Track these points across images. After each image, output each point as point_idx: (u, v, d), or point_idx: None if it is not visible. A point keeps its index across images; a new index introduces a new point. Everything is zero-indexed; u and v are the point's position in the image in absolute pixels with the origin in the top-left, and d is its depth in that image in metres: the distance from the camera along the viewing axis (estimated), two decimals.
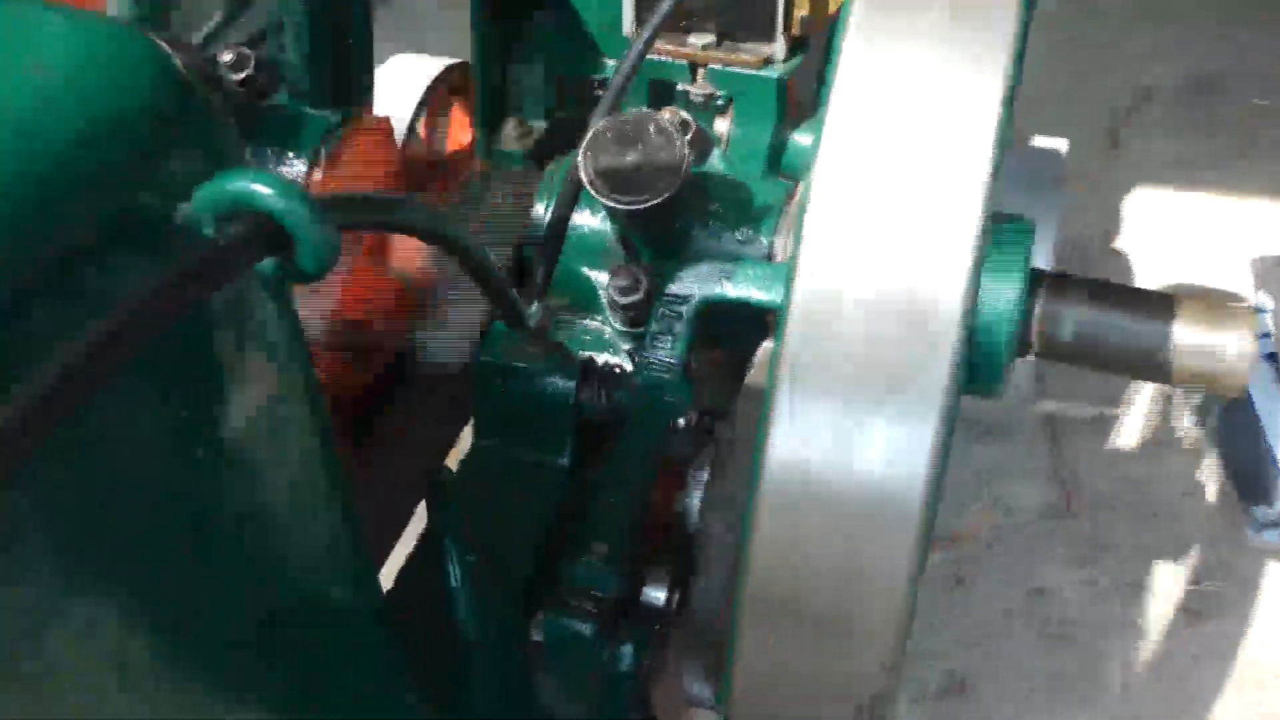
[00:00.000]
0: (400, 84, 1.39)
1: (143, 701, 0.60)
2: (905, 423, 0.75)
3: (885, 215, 0.76)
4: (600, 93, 1.31)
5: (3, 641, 0.52)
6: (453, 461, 1.34)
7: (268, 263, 0.54)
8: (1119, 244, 2.34)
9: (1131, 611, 1.89)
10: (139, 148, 0.54)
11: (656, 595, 0.99)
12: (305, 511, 0.69)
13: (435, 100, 1.41)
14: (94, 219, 0.51)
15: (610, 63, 1.32)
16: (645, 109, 1.11)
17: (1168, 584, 1.91)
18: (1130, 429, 2.08)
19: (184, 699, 0.64)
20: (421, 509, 1.20)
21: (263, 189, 0.52)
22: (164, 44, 0.57)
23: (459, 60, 1.46)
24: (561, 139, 1.35)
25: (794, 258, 0.78)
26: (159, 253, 0.52)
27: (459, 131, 1.45)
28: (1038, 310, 1.04)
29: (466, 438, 1.31)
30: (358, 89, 1.19)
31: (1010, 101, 0.77)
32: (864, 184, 0.77)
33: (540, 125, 1.38)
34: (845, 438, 0.76)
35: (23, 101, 0.51)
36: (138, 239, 0.53)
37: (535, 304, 0.97)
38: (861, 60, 0.80)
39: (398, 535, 1.25)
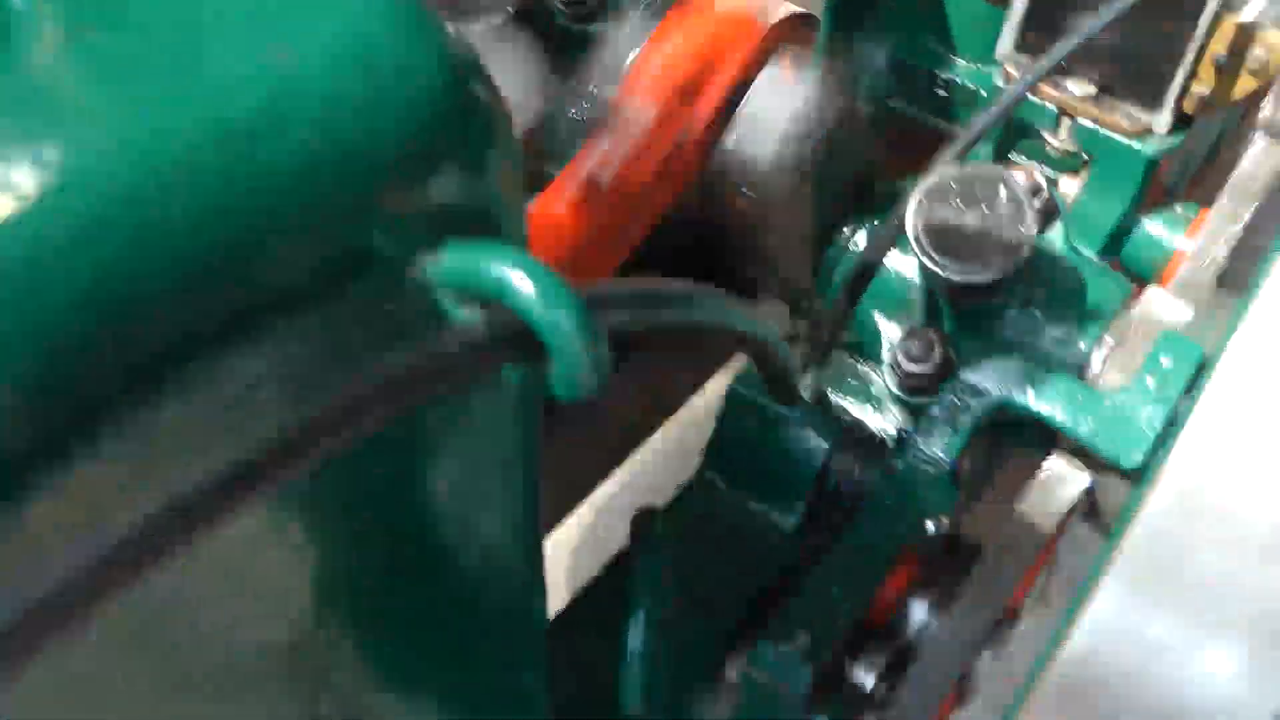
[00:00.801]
0: None
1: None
2: (1252, 678, 0.62)
3: None
4: (940, 92, 1.17)
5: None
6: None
7: (514, 371, 0.42)
8: None
9: None
10: (398, 170, 0.41)
11: (865, 680, 0.88)
12: (489, 572, 0.59)
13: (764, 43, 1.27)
14: (312, 254, 0.40)
15: (961, 63, 1.17)
16: (997, 164, 0.97)
17: None
18: None
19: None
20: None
21: (523, 284, 0.40)
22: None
23: (803, 11, 1.31)
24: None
25: (1177, 426, 0.64)
26: (370, 314, 0.41)
27: None
28: None
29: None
30: None
31: None
32: None
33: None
34: (1169, 666, 0.63)
35: (254, 92, 0.38)
36: (356, 287, 0.41)
37: (813, 371, 0.84)
38: None
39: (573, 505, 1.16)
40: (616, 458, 1.27)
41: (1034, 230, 0.89)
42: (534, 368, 0.42)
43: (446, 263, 0.41)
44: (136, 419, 0.36)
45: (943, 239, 0.89)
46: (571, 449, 1.06)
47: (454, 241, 0.42)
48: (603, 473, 1.26)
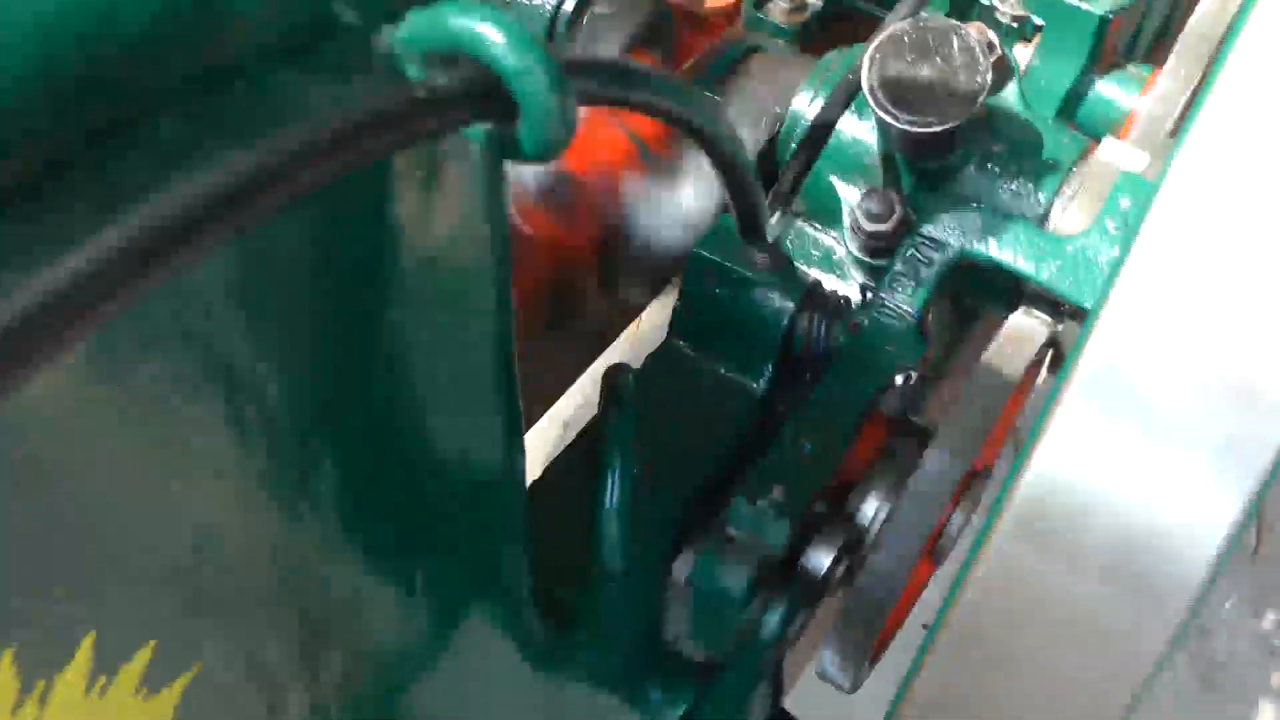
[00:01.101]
0: None
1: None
2: (1216, 478, 0.62)
3: (1254, 232, 0.62)
4: None
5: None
6: (627, 343, 1.24)
7: (478, 130, 0.42)
8: None
9: None
10: None
11: (820, 562, 0.88)
12: (463, 397, 0.59)
13: None
14: (270, 21, 0.39)
15: None
16: (950, 19, 0.96)
17: None
18: None
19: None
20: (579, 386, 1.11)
21: (493, 34, 0.39)
22: None
23: None
24: (836, 27, 1.21)
25: (1127, 248, 0.64)
26: (341, 83, 0.40)
27: None
28: None
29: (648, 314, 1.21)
30: None
31: None
32: (1244, 190, 0.63)
33: (816, 3, 1.23)
34: (1140, 472, 0.63)
35: None
36: (319, 59, 0.41)
37: (777, 215, 0.84)
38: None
39: (550, 404, 1.15)
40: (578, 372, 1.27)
41: (988, 79, 0.89)
42: (501, 128, 0.42)
43: (412, 24, 0.41)
44: (105, 169, 0.36)
45: (898, 91, 0.88)
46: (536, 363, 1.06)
47: (418, 6, 0.41)
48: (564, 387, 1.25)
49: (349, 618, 0.59)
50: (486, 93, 0.40)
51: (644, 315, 1.24)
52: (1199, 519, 0.63)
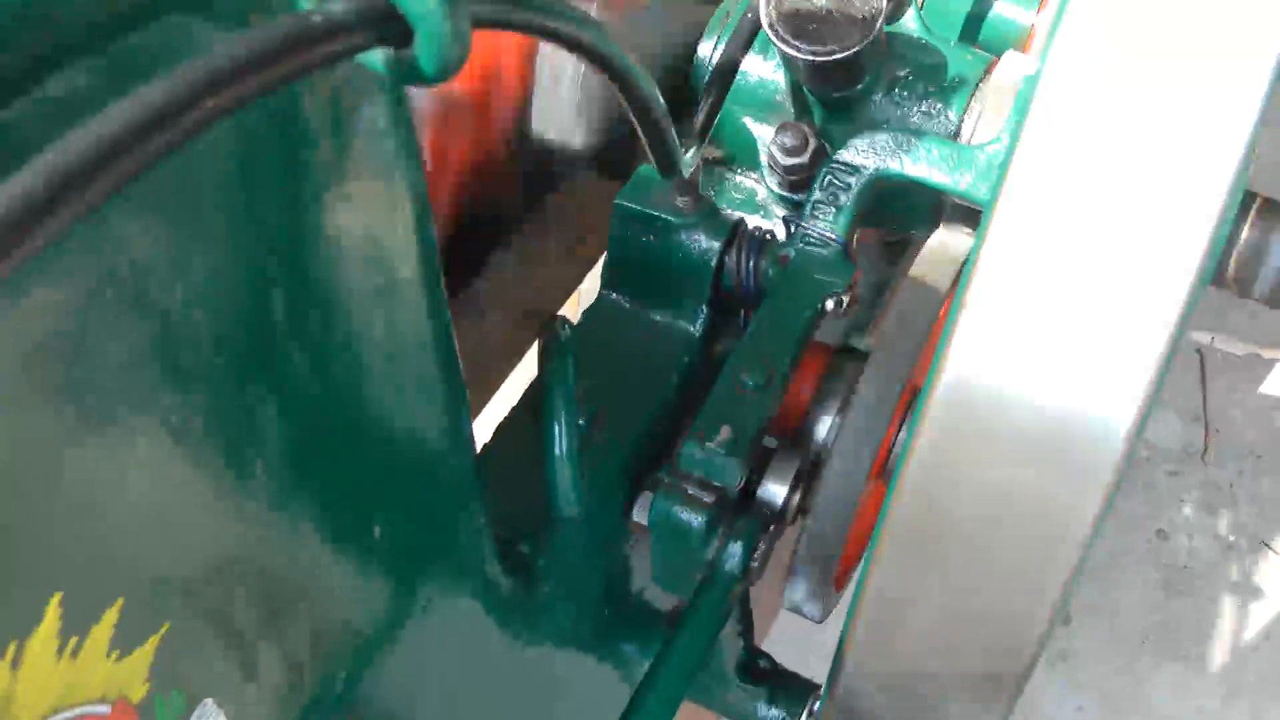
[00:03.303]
0: None
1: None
2: (1123, 351, 0.63)
3: (1134, 105, 0.64)
4: None
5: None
6: (572, 309, 1.25)
7: (377, 57, 0.43)
8: None
9: (1253, 570, 1.77)
10: None
11: (775, 493, 0.89)
12: (397, 346, 0.60)
13: None
14: None
15: None
16: None
17: None
18: None
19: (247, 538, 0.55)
20: (529, 357, 1.12)
21: None
22: None
23: None
24: None
25: (1014, 139, 0.66)
26: (240, 25, 0.42)
27: None
28: (1241, 240, 0.92)
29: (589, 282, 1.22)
30: None
31: None
32: (1117, 65, 0.65)
33: None
34: (1045, 356, 0.65)
35: None
36: (219, 3, 0.42)
37: (691, 151, 0.85)
38: None
39: (501, 380, 1.16)
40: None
41: (883, 3, 0.90)
42: (398, 53, 0.43)
43: None
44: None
45: (797, 23, 0.90)
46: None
47: None
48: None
49: (311, 576, 0.60)
50: (381, 17, 0.41)
51: (582, 287, 1.25)
52: (1111, 392, 0.65)
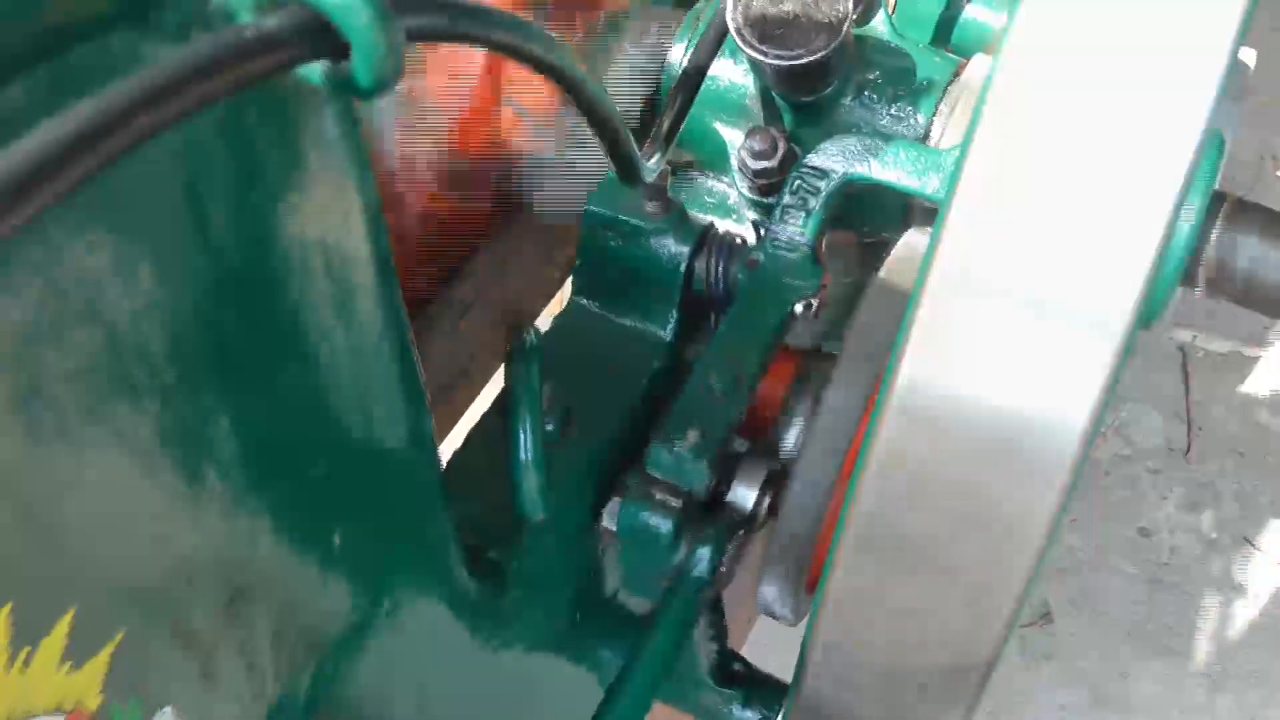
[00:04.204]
0: None
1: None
2: (1076, 351, 0.64)
3: (1086, 106, 0.64)
4: None
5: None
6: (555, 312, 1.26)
7: (316, 71, 0.43)
8: None
9: (1236, 566, 1.77)
10: None
11: (745, 497, 0.90)
12: (354, 355, 0.60)
13: None
14: None
15: None
16: None
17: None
18: (1268, 372, 1.94)
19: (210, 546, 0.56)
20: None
21: None
22: None
23: None
24: None
25: (967, 142, 0.66)
26: (180, 40, 0.42)
27: None
28: (1213, 238, 0.93)
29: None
30: None
31: None
32: (1067, 67, 0.65)
33: None
34: (1000, 356, 0.65)
35: None
36: (155, 17, 0.42)
37: (656, 156, 0.85)
38: None
39: (473, 395, 1.16)
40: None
41: (849, 7, 0.91)
42: (335, 66, 0.43)
43: None
44: None
45: (764, 28, 0.91)
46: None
47: None
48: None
49: (270, 584, 0.61)
50: (315, 32, 0.42)
51: (565, 290, 1.26)
52: (1064, 392, 0.65)
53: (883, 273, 0.92)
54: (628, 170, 0.73)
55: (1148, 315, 0.99)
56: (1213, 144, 1.00)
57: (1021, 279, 0.64)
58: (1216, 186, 0.99)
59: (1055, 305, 0.64)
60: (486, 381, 1.23)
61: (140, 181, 0.45)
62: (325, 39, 0.42)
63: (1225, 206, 0.94)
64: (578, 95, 0.60)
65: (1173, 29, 0.65)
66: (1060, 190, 0.64)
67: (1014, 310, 0.65)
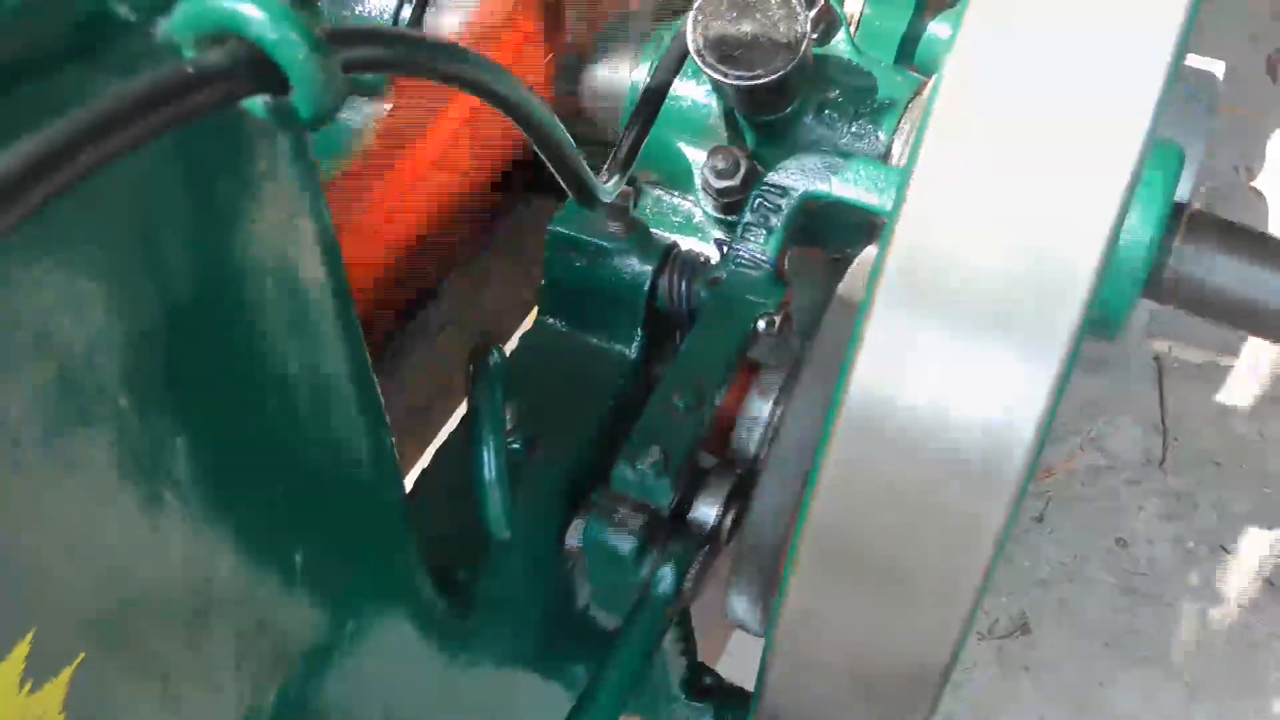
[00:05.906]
0: None
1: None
2: (1022, 362, 0.65)
3: (1027, 122, 0.65)
4: None
5: None
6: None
7: (259, 104, 0.44)
8: (1260, 184, 2.19)
9: (1213, 575, 1.78)
10: None
11: (708, 514, 0.90)
12: (311, 380, 0.61)
13: None
14: (52, 22, 0.42)
15: None
16: None
17: (1257, 553, 1.80)
18: (1242, 382, 1.95)
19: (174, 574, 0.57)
20: None
21: (252, 11, 0.42)
22: None
23: None
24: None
25: (912, 157, 0.67)
26: (125, 75, 0.43)
27: None
28: (1174, 250, 0.94)
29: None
30: None
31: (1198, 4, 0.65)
32: (1007, 85, 0.66)
33: None
34: (947, 369, 0.66)
35: None
36: (102, 54, 0.44)
37: (615, 178, 0.87)
38: None
39: (445, 418, 1.17)
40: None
41: (807, 28, 0.92)
42: (277, 100, 0.44)
43: (183, 11, 0.44)
44: None
45: (724, 49, 0.92)
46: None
47: None
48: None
49: (231, 605, 0.61)
50: (254, 65, 0.43)
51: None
52: (1013, 398, 0.66)
53: (843, 285, 0.94)
54: (582, 194, 0.74)
55: (1107, 327, 1.00)
56: (1171, 156, 1.01)
57: (965, 291, 0.65)
58: (1184, 199, 1.00)
59: (999, 314, 0.65)
60: (462, 401, 1.24)
61: (92, 212, 0.46)
62: (265, 73, 0.43)
63: (1186, 219, 0.95)
64: (526, 122, 0.61)
65: (1114, 39, 0.66)
66: (1004, 200, 0.65)
67: (958, 322, 0.66)
